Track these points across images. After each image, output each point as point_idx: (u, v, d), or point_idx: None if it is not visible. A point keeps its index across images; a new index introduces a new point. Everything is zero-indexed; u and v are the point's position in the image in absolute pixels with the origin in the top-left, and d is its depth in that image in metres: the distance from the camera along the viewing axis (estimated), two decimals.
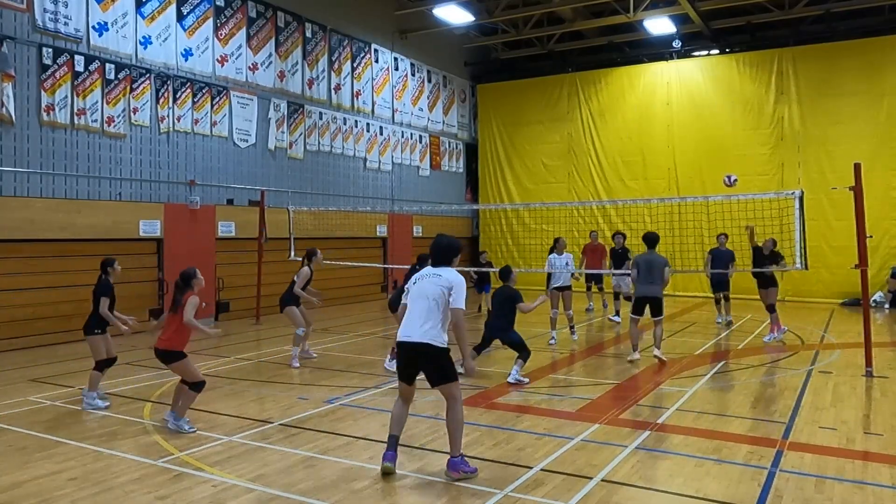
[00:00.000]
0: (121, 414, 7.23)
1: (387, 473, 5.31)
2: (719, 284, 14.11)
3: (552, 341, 11.68)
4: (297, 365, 9.79)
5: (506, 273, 9.48)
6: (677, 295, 19.22)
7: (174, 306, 6.69)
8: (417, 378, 5.47)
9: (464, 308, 5.37)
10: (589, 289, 16.32)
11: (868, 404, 7.72)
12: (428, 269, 5.60)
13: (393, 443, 5.40)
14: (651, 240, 10.21)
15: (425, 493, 5.07)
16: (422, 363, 5.39)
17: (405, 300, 5.65)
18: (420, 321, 5.36)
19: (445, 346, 5.38)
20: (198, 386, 6.66)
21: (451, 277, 5.42)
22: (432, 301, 5.36)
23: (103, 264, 7.85)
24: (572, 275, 12.42)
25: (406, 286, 5.83)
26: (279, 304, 10.26)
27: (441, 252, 5.61)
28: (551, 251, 12.33)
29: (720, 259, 13.60)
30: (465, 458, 5.40)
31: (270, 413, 7.26)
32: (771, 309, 11.85)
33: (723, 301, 14.11)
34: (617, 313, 14.49)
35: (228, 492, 5.05)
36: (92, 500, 4.94)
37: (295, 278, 10.14)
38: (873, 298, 16.86)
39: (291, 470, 5.50)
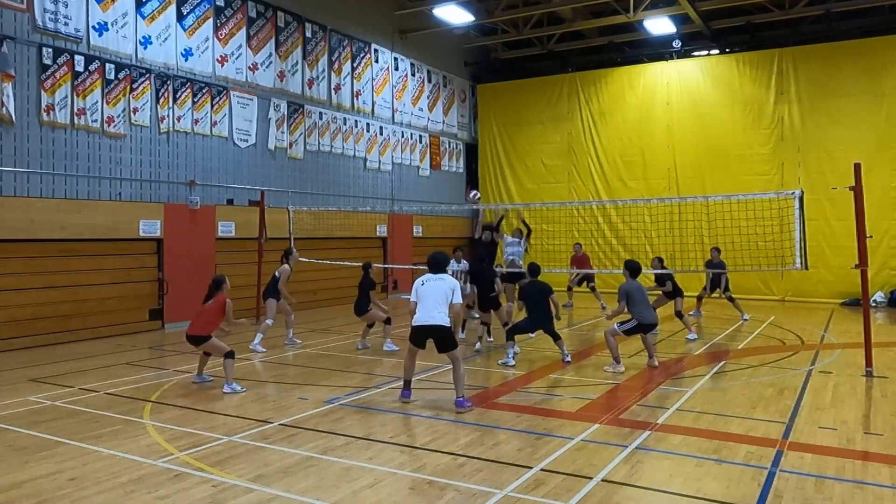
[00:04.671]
0: (121, 414, 7.23)
1: None
2: (718, 286, 14.69)
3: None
4: (263, 349, 10.88)
5: (536, 270, 10.27)
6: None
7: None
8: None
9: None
10: (570, 289, 17.55)
11: (868, 404, 7.72)
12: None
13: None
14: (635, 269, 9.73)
15: (426, 492, 5.07)
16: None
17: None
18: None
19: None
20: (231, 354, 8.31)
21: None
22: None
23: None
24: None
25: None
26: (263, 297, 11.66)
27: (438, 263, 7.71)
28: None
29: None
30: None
31: (270, 413, 7.25)
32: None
33: (732, 303, 14.73)
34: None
35: (228, 492, 5.05)
36: (92, 500, 4.94)
37: (277, 274, 11.37)
38: (873, 298, 16.86)
39: (291, 470, 5.50)
